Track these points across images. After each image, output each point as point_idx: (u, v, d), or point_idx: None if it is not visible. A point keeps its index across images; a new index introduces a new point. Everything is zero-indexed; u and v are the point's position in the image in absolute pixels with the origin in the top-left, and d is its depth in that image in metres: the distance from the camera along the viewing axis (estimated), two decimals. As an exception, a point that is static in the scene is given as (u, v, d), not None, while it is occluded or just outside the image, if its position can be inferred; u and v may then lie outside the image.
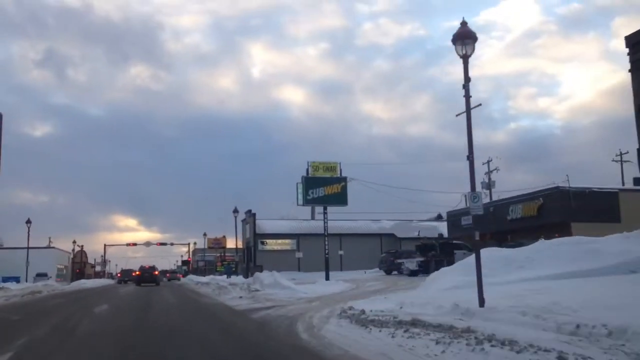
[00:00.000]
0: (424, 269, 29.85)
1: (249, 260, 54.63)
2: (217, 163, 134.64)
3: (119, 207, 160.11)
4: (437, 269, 23.09)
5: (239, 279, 40.62)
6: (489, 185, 48.22)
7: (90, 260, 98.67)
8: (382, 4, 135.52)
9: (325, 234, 32.02)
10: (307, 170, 33.25)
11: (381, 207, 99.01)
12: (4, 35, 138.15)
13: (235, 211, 46.78)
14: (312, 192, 32.75)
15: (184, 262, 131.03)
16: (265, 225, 53.27)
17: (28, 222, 53.34)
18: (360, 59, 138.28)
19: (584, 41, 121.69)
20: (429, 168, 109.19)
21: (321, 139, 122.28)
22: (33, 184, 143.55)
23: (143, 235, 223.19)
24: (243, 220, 55.77)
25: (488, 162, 49.26)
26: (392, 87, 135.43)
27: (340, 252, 46.07)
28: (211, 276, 56.43)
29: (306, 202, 33.92)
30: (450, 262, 24.33)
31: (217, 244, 75.69)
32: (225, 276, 49.85)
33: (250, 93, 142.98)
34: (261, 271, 32.80)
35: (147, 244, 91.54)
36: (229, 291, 26.23)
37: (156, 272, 45.89)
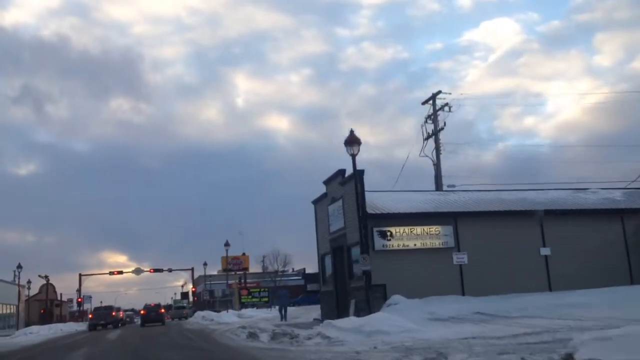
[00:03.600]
0: None
1: (342, 277, 24.02)
2: (204, 194, 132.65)
3: (107, 243, 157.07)
4: None
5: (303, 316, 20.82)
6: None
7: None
8: (364, 28, 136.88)
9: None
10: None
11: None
12: None
13: (227, 244, 42.83)
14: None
15: (184, 295, 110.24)
16: (384, 201, 22.64)
17: None
18: (345, 84, 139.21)
19: (566, 58, 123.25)
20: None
21: (308, 166, 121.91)
22: (19, 223, 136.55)
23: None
24: (318, 201, 26.02)
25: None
26: (378, 110, 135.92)
27: (545, 251, 22.20)
28: (232, 311, 36.62)
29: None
30: None
31: (237, 265, 53.95)
32: (256, 309, 30.86)
33: (235, 122, 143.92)
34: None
35: (137, 271, 69.60)
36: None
37: (162, 310, 41.97)
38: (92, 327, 39.55)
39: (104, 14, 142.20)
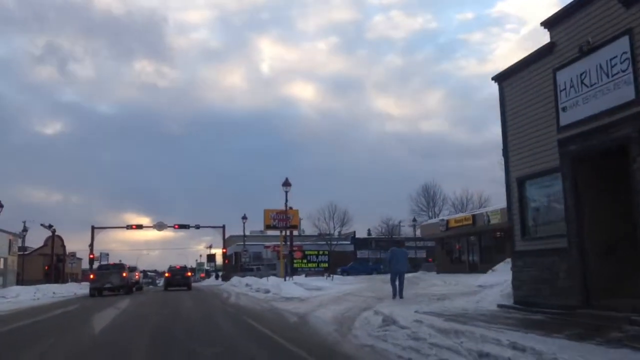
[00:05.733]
0: None
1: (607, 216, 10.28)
2: (228, 160, 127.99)
3: (131, 205, 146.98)
4: None
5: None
6: None
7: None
8: None
9: None
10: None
11: None
12: (6, 31, 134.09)
13: (287, 182, 31.40)
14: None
15: (210, 258, 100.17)
16: None
17: None
18: (371, 54, 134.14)
19: None
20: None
21: (331, 136, 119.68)
22: (45, 182, 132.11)
23: (156, 233, 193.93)
24: (516, 73, 17.17)
25: None
26: (404, 82, 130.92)
27: None
28: (294, 279, 25.92)
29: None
30: None
31: (283, 221, 42.42)
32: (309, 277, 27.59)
33: (259, 89, 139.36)
34: None
35: (159, 225, 58.78)
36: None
37: (189, 274, 37.33)
38: (94, 292, 28.50)
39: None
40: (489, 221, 34.29)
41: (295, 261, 36.11)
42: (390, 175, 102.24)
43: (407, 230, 74.74)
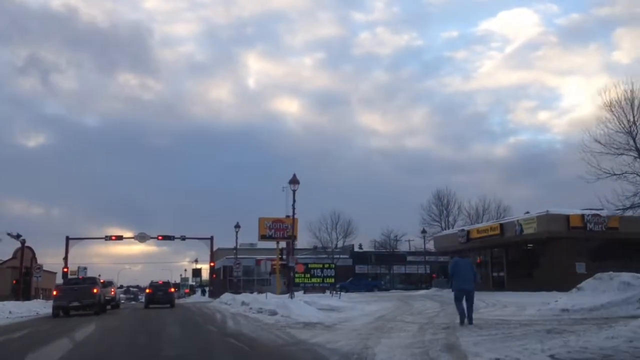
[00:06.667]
0: None
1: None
2: (213, 175, 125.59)
3: (114, 219, 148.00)
4: None
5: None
6: None
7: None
8: (379, 13, 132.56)
9: None
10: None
11: None
12: None
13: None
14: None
15: (195, 272, 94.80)
16: None
17: None
18: (357, 69, 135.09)
19: (585, 53, 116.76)
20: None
21: (316, 151, 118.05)
22: (25, 195, 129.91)
23: (139, 248, 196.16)
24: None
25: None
26: (390, 98, 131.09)
27: None
28: (301, 297, 22.68)
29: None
30: None
31: (281, 231, 37.69)
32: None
33: (245, 104, 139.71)
34: None
35: (141, 237, 53.63)
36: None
37: (172, 290, 34.80)
38: (57, 311, 23.46)
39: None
40: (521, 231, 29.80)
41: (297, 275, 31.30)
42: (376, 191, 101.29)
43: (402, 245, 70.77)
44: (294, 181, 24.58)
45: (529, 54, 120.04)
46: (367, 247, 67.06)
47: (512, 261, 32.99)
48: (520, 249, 32.63)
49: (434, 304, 21.80)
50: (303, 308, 19.03)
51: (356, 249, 65.04)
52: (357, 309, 19.73)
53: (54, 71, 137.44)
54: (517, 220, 30.20)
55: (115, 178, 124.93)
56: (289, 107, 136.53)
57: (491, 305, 19.01)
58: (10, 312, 25.13)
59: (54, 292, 25.49)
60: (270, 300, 22.14)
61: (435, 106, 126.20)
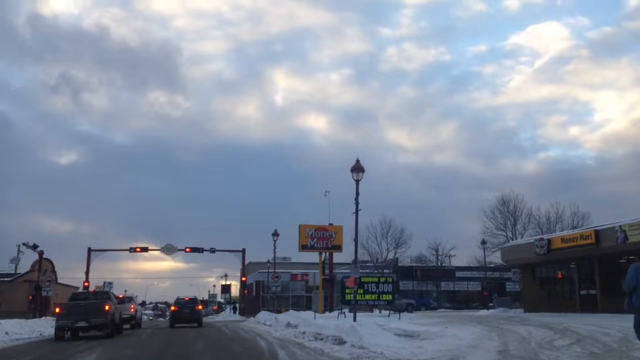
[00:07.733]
0: None
1: None
2: (242, 191, 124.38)
3: (143, 235, 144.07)
4: None
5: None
6: None
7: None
8: (406, 28, 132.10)
9: None
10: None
11: None
12: (22, 61, 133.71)
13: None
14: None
15: (224, 289, 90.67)
16: None
17: None
18: (385, 85, 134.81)
19: (617, 67, 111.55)
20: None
21: (344, 167, 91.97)
22: (58, 212, 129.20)
23: (167, 264, 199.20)
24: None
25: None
26: (417, 114, 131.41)
27: None
28: (374, 319, 18.17)
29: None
30: None
31: (324, 240, 32.96)
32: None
33: (273, 120, 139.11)
34: None
35: (168, 249, 49.36)
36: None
37: (199, 307, 32.21)
38: (61, 333, 18.98)
39: (145, 6, 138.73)
40: (625, 239, 24.32)
41: (347, 291, 26.34)
42: (413, 209, 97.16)
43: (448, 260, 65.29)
44: (358, 168, 19.49)
45: (560, 68, 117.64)
46: (406, 262, 62.20)
47: (607, 276, 27.40)
48: (615, 261, 27.07)
49: (539, 330, 16.53)
50: (377, 334, 14.08)
51: (401, 264, 59.72)
52: (446, 336, 14.63)
53: (85, 89, 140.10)
54: (620, 226, 24.68)
55: (145, 194, 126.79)
56: (316, 123, 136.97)
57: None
58: (6, 333, 20.69)
59: (56, 310, 20.89)
60: (327, 323, 17.21)
61: (463, 122, 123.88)
